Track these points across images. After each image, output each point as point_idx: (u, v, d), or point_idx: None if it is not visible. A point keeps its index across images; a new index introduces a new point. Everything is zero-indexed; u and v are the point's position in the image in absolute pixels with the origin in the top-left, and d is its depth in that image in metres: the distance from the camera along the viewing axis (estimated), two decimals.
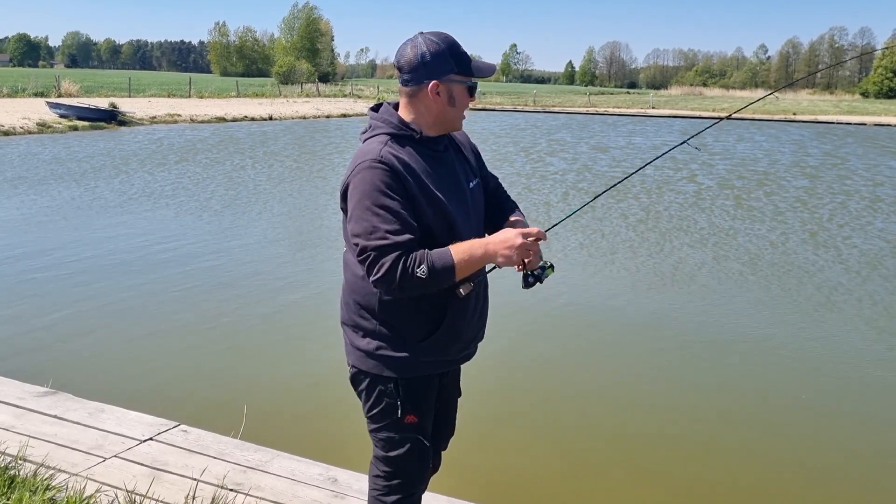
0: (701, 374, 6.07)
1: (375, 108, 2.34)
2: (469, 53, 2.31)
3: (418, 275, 2.07)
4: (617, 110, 54.28)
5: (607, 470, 4.53)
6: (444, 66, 2.22)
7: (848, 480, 4.52)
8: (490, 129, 33.44)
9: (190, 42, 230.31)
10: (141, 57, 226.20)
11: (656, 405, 5.44)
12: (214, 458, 3.52)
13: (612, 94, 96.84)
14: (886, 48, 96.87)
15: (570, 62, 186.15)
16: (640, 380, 5.90)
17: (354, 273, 2.29)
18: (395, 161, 2.15)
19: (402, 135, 2.23)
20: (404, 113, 2.28)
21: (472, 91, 2.30)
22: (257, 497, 3.16)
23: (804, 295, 8.15)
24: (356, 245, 2.13)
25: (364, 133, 2.30)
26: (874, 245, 10.81)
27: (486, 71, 2.30)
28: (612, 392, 5.66)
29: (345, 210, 2.24)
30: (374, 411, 2.35)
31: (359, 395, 2.40)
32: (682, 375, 6.02)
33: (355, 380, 2.38)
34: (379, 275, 2.09)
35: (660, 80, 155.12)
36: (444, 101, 2.25)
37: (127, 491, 2.94)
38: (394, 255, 2.07)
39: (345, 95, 59.23)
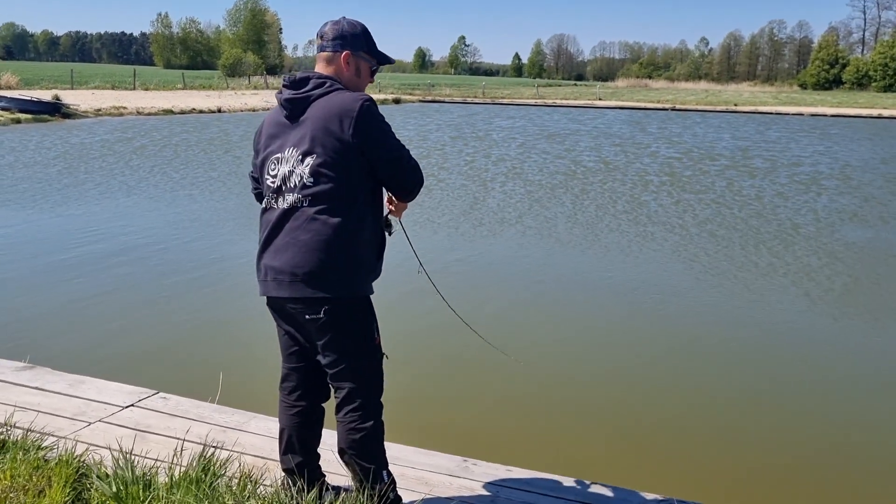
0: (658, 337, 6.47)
1: (302, 79, 2.68)
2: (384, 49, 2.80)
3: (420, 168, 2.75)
4: (565, 102, 55.02)
5: (570, 426, 4.87)
6: (356, 43, 2.73)
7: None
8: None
9: (131, 34, 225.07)
10: (80, 48, 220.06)
11: (623, 370, 5.81)
12: (195, 420, 3.74)
13: (559, 86, 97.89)
14: None
15: (518, 54, 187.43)
16: (605, 340, 6.28)
17: (345, 214, 2.59)
18: None
19: None
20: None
21: (373, 73, 2.82)
22: (240, 452, 3.40)
23: (742, 255, 8.67)
24: (401, 154, 2.64)
25: (320, 88, 2.64)
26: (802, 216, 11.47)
27: (389, 59, 2.86)
28: (575, 351, 6.01)
29: (346, 145, 2.54)
30: (355, 340, 2.68)
31: (332, 338, 2.65)
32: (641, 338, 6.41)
33: (337, 313, 2.62)
34: (419, 172, 2.71)
35: (606, 72, 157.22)
36: (353, 71, 2.74)
37: (119, 449, 3.13)
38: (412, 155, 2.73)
39: None
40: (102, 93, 40.77)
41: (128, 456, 3.05)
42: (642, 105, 51.93)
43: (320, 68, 2.74)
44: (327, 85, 2.65)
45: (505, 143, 24.00)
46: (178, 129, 26.00)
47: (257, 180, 2.84)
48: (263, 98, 44.32)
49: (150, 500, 2.78)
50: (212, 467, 2.97)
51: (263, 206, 2.76)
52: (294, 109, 2.65)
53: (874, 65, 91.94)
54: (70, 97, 32.97)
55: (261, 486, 2.94)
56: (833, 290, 8.16)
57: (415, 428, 4.39)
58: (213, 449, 3.29)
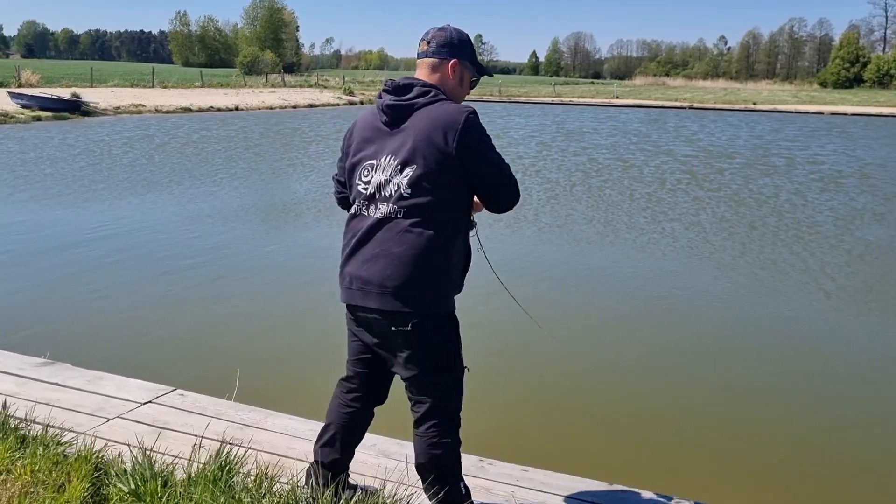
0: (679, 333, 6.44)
1: (406, 85, 2.60)
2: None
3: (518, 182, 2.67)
4: (582, 100, 54.82)
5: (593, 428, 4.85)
6: (464, 52, 2.69)
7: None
8: None
9: (150, 32, 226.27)
10: (100, 47, 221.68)
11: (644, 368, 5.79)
12: (212, 417, 3.76)
13: (576, 84, 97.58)
14: None
15: (535, 52, 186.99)
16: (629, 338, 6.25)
17: (440, 228, 2.52)
18: None
19: None
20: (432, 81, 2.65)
21: (472, 84, 2.77)
22: (257, 449, 3.41)
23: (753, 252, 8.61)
24: (501, 169, 2.57)
25: (424, 97, 2.57)
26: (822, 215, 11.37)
27: (489, 71, 2.87)
28: (596, 351, 5.99)
29: (449, 157, 2.47)
30: (439, 355, 2.61)
31: (417, 352, 2.59)
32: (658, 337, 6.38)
33: (424, 327, 2.55)
34: (517, 187, 2.63)
35: (624, 70, 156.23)
36: (457, 80, 2.68)
37: (138, 446, 3.15)
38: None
39: (310, 86, 59.00)
40: (121, 91, 41.05)
41: (146, 452, 3.07)
42: (660, 103, 51.64)
43: (423, 75, 2.66)
44: (431, 94, 2.58)
45: (524, 142, 23.98)
46: (198, 127, 26.21)
47: (343, 184, 2.75)
48: (281, 96, 44.49)
49: (168, 497, 2.79)
50: (228, 465, 2.98)
51: (352, 212, 2.66)
52: (395, 116, 2.57)
53: (895, 63, 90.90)
54: (89, 95, 33.22)
55: (277, 484, 2.94)
56: (852, 288, 8.07)
57: None
58: (230, 446, 3.32)
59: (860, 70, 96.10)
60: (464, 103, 2.61)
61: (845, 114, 45.10)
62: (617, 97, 58.13)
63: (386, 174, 2.53)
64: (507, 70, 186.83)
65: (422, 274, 2.51)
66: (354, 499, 2.82)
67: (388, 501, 2.79)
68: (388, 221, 2.53)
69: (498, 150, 2.60)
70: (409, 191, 2.50)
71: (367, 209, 2.58)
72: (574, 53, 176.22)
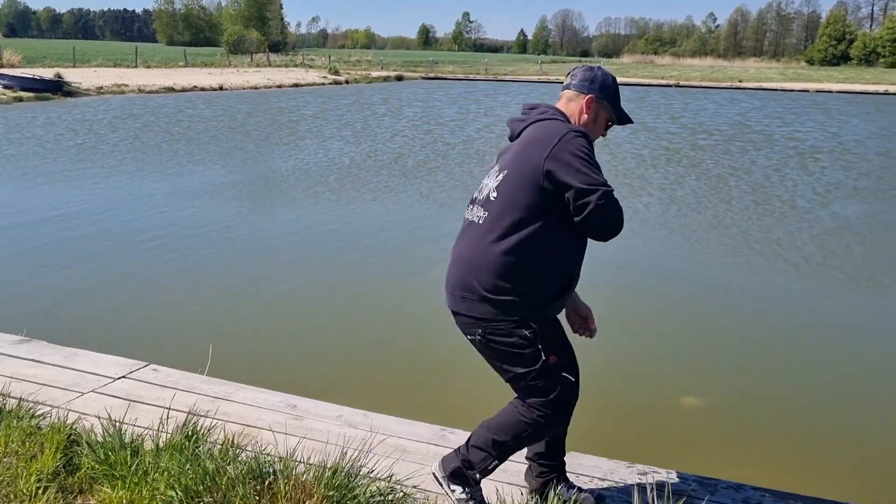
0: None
1: (534, 106, 2.76)
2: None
3: (621, 211, 2.52)
4: None
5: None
6: (603, 92, 2.73)
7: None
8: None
9: (134, 11, 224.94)
10: (83, 26, 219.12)
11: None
12: (184, 390, 3.87)
13: (564, 62, 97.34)
14: None
15: (522, 31, 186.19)
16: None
17: (512, 239, 2.51)
18: None
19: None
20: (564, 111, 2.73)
21: (608, 127, 2.79)
22: (225, 420, 3.53)
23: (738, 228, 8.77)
24: (590, 190, 2.42)
25: (542, 114, 2.69)
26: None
27: (626, 120, 2.82)
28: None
29: (536, 169, 2.48)
30: (515, 363, 2.62)
31: (497, 353, 2.63)
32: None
33: (492, 335, 2.59)
34: (610, 214, 2.47)
35: (612, 48, 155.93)
36: (591, 117, 2.73)
37: (108, 418, 3.26)
38: (614, 196, 2.48)
39: (296, 65, 58.66)
40: (104, 70, 40.72)
41: (117, 424, 3.18)
42: (646, 81, 51.66)
43: (560, 105, 2.76)
44: (549, 113, 2.69)
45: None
46: (183, 106, 26.11)
47: None
48: (265, 76, 44.22)
49: (137, 465, 2.90)
50: (195, 435, 3.10)
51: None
52: (514, 131, 2.74)
53: (882, 40, 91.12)
54: (72, 75, 32.96)
55: (243, 453, 3.06)
56: (819, 259, 8.23)
57: (394, 398, 4.51)
58: (199, 418, 3.43)
59: (847, 47, 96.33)
60: (577, 127, 2.61)
61: (830, 91, 45.30)
62: None
63: (488, 179, 2.68)
64: (494, 49, 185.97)
65: (483, 281, 2.55)
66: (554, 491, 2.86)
67: (347, 468, 2.90)
68: (471, 224, 2.66)
69: (597, 170, 2.48)
70: (494, 194, 2.60)
71: (467, 212, 2.73)
72: (562, 31, 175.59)
